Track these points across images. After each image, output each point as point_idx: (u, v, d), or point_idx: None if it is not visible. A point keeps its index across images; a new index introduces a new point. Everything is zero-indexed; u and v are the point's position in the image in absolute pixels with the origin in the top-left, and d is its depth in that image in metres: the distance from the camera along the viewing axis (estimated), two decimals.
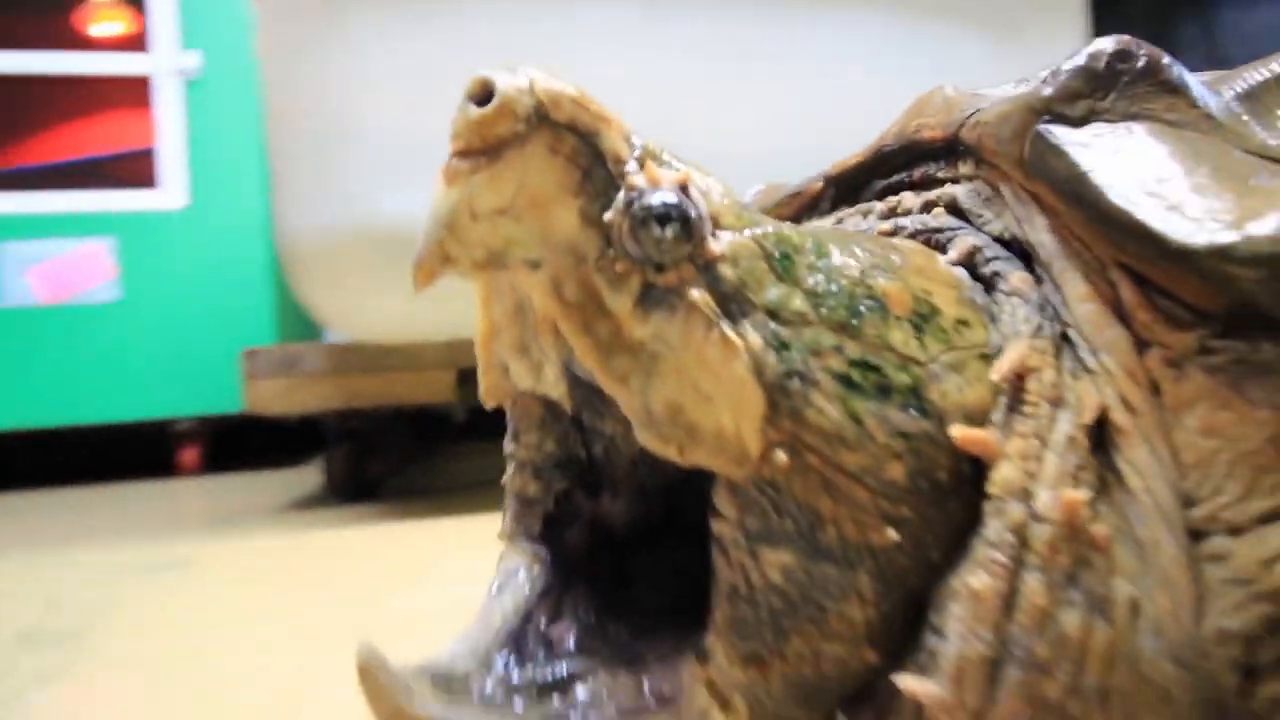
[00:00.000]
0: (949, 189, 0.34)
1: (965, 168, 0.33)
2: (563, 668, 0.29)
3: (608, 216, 0.26)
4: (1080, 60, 0.28)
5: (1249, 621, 0.22)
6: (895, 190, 0.38)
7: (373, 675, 0.27)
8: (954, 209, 0.34)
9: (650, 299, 0.26)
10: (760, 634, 0.26)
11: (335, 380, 1.18)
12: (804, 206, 0.44)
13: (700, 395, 0.26)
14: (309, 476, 1.64)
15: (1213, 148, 0.26)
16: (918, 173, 0.37)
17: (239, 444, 1.99)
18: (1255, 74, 0.31)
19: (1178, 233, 0.23)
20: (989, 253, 0.31)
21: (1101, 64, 0.28)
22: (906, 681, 0.24)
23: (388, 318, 1.03)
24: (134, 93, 2.16)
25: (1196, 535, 0.23)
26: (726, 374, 0.26)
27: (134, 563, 0.85)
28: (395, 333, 1.04)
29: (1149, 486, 0.24)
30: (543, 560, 0.33)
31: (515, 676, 0.29)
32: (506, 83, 0.26)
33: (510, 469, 0.34)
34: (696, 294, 0.26)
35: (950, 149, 0.34)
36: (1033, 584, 0.24)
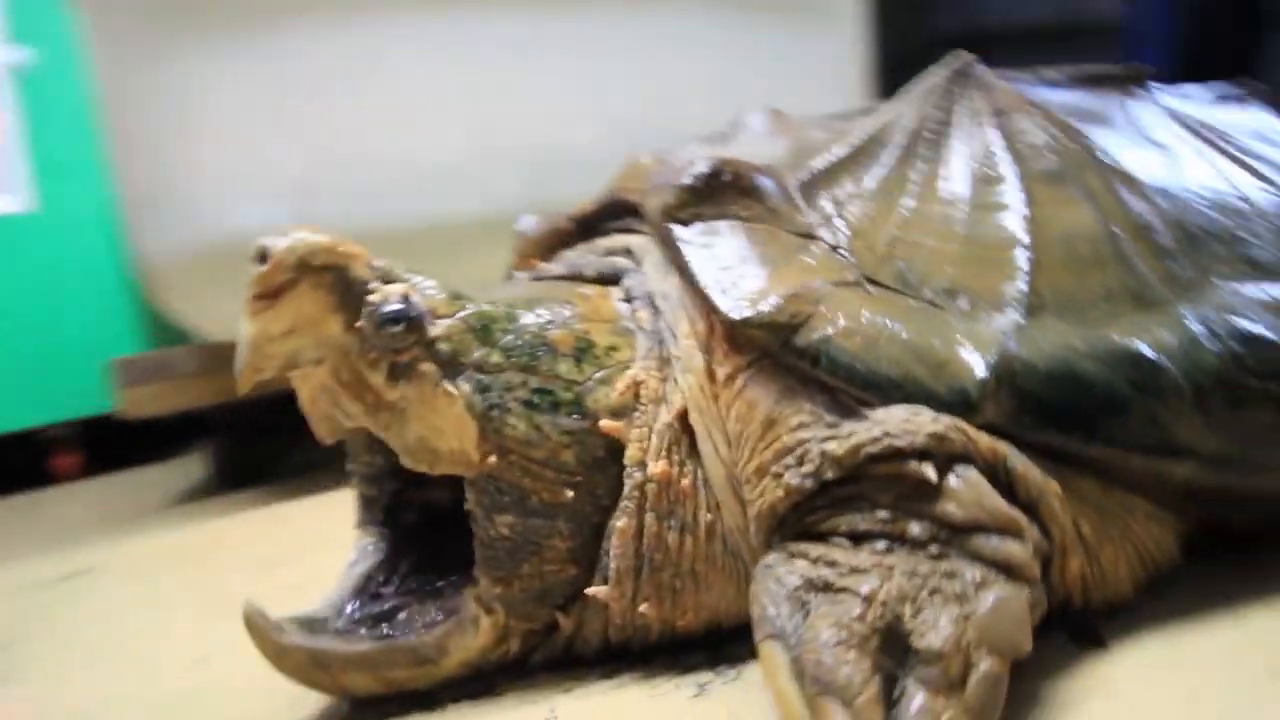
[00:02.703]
0: (636, 239, 0.49)
1: (648, 226, 0.48)
2: (388, 605, 0.44)
3: (358, 323, 0.39)
4: (686, 180, 0.43)
5: (755, 527, 0.39)
6: (619, 230, 0.52)
7: (255, 623, 0.41)
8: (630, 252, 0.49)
9: (396, 372, 0.40)
10: (502, 564, 0.41)
11: (210, 380, 1.27)
12: (562, 238, 0.58)
13: (436, 430, 0.40)
14: (193, 467, 1.71)
15: (767, 235, 0.42)
16: (631, 223, 0.51)
17: (116, 444, 2.02)
18: (833, 149, 0.46)
19: (728, 307, 0.38)
20: (634, 294, 0.45)
21: (701, 183, 0.43)
22: (592, 590, 0.40)
23: None
24: None
25: (737, 482, 0.40)
26: (450, 414, 0.40)
27: (41, 575, 0.93)
28: None
29: (708, 457, 0.40)
30: (385, 537, 0.47)
31: (354, 616, 0.44)
32: (276, 246, 0.38)
33: (354, 480, 0.48)
34: (424, 366, 0.40)
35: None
36: (650, 519, 0.40)
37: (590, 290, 0.47)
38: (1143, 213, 0.42)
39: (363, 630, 0.43)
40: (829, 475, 0.35)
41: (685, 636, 0.42)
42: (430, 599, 0.44)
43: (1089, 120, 0.48)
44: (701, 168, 0.43)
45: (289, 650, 0.41)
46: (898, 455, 0.34)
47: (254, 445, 1.39)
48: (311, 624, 0.43)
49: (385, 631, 0.42)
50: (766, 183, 0.43)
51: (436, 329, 0.41)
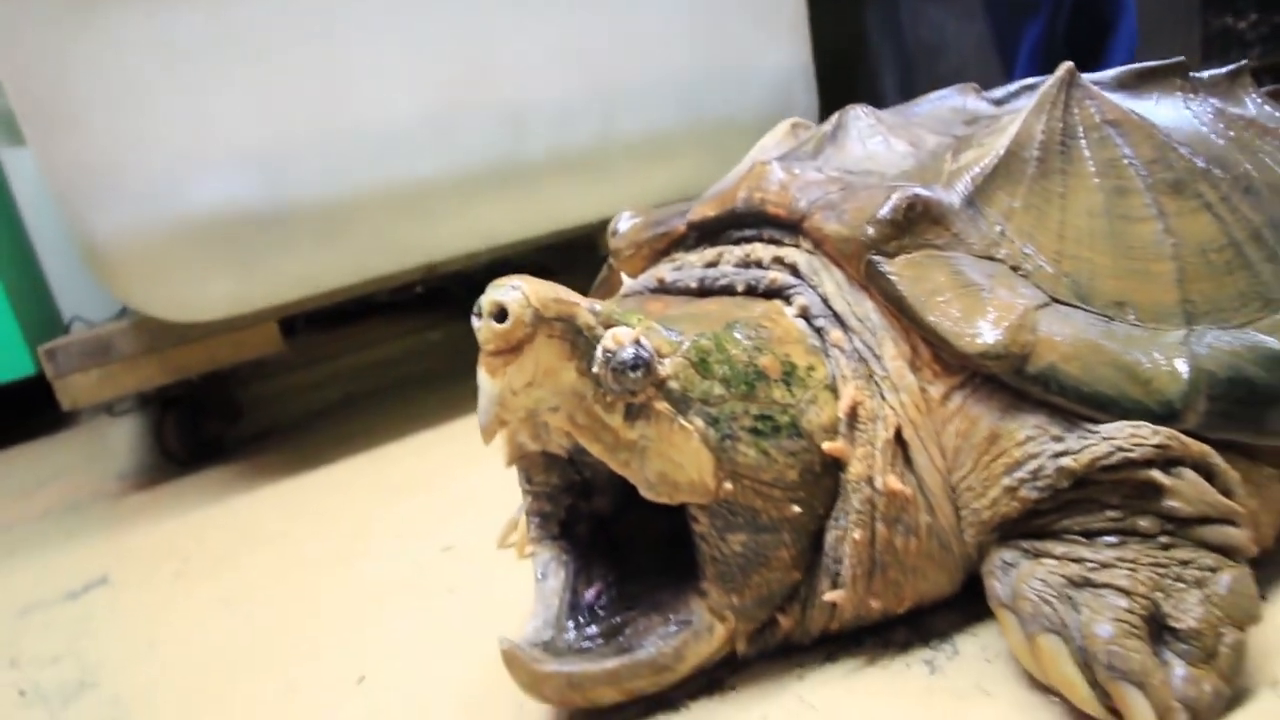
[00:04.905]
0: (792, 254, 0.51)
1: (805, 244, 0.50)
2: (614, 619, 0.47)
3: (594, 370, 0.41)
4: (886, 212, 0.45)
5: (976, 530, 0.44)
6: (748, 239, 0.54)
7: (514, 655, 0.43)
8: (793, 269, 0.51)
9: (632, 413, 0.42)
10: (734, 577, 0.44)
11: (154, 358, 1.18)
12: (673, 243, 0.59)
13: (675, 464, 0.42)
14: (114, 438, 1.59)
15: (961, 262, 0.45)
16: (766, 234, 0.53)
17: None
18: (980, 163, 0.49)
19: (962, 342, 0.42)
20: (815, 311, 0.49)
21: (900, 215, 0.45)
22: (830, 595, 0.45)
23: (217, 298, 1.06)
24: None
25: (954, 490, 0.45)
26: (688, 448, 0.42)
27: (47, 592, 0.86)
28: (229, 308, 1.07)
29: (924, 468, 0.44)
30: (566, 550, 0.49)
31: (586, 632, 0.46)
32: (512, 300, 0.39)
33: (527, 499, 0.50)
34: (659, 405, 0.42)
35: (791, 225, 0.51)
36: (881, 528, 0.44)
37: (761, 307, 0.49)
38: (1251, 218, 0.49)
39: (597, 646, 0.45)
40: (1063, 485, 0.40)
41: (894, 618, 0.47)
42: (653, 610, 0.47)
43: (1172, 125, 0.54)
44: (898, 201, 0.46)
45: (548, 677, 0.43)
46: (1129, 465, 0.39)
47: (207, 418, 1.32)
48: (547, 648, 0.45)
49: (623, 644, 0.45)
50: (952, 209, 0.46)
51: (665, 368, 0.43)
